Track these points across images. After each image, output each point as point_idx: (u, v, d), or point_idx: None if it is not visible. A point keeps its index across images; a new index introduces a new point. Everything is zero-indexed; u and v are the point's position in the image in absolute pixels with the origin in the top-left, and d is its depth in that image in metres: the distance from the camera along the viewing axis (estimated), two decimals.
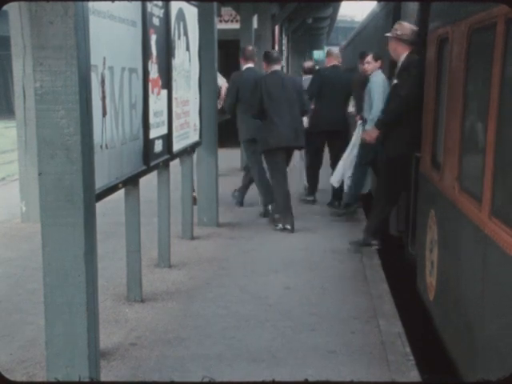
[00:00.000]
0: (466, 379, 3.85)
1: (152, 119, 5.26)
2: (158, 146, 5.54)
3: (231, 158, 12.73)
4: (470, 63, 4.21)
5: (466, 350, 4.00)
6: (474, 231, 3.75)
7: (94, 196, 3.68)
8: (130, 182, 4.83)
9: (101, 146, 4.10)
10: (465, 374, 3.99)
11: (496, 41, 3.47)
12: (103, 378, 3.95)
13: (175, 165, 6.61)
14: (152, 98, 5.25)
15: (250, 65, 8.61)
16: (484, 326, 3.62)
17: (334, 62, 9.19)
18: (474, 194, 3.84)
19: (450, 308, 4.43)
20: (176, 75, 6.13)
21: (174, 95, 6.08)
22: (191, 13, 6.76)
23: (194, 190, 7.52)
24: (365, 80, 7.89)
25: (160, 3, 5.45)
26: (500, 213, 3.37)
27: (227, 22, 15.76)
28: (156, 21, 5.34)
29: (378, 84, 7.53)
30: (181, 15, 6.29)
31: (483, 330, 3.63)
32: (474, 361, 3.81)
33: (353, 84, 8.82)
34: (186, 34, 6.54)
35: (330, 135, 8.96)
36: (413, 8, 6.55)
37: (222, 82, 9.27)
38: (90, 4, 3.73)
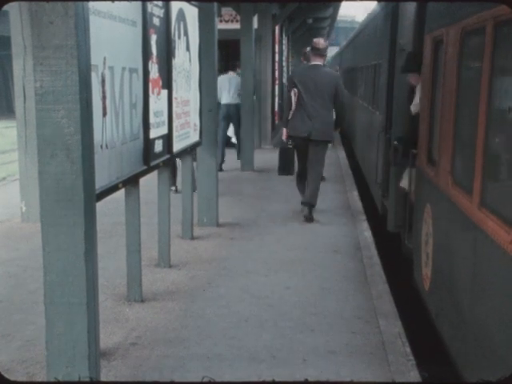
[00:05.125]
0: (466, 379, 3.90)
1: (152, 119, 5.27)
2: (158, 146, 5.55)
3: (231, 158, 12.74)
4: (462, 64, 4.37)
5: (459, 336, 4.12)
6: (466, 221, 3.93)
7: (94, 196, 3.69)
8: (131, 182, 4.83)
9: (101, 146, 4.10)
10: (459, 363, 4.09)
11: (486, 43, 3.62)
12: (103, 378, 3.96)
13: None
14: (152, 98, 5.25)
15: None
16: (474, 311, 3.75)
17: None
18: (465, 187, 4.04)
19: (444, 296, 4.57)
20: (176, 75, 6.14)
21: (175, 95, 6.08)
22: (191, 13, 6.76)
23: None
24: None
25: (160, 3, 5.45)
26: (488, 203, 3.58)
27: (227, 22, 15.75)
28: (156, 21, 5.34)
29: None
30: (181, 15, 6.29)
31: (474, 315, 3.77)
32: (466, 347, 3.92)
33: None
34: (186, 34, 6.54)
35: None
36: (410, 10, 6.65)
37: None
38: (91, 4, 3.74)
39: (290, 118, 8.31)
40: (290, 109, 8.28)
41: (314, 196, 8.34)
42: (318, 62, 8.34)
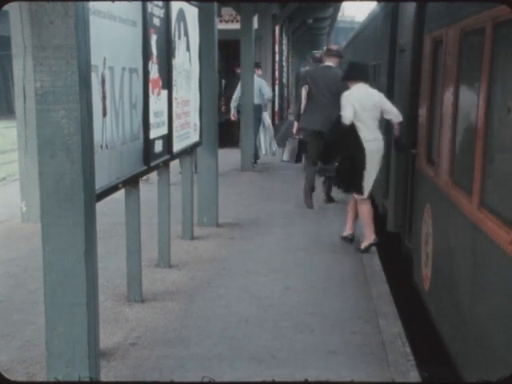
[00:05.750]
0: (466, 379, 3.90)
1: (152, 119, 5.27)
2: (159, 146, 5.55)
3: (231, 157, 12.74)
4: (462, 64, 4.39)
5: (459, 336, 4.14)
6: (465, 221, 3.95)
7: (94, 196, 3.69)
8: (131, 182, 4.84)
9: (101, 146, 4.10)
10: (459, 363, 4.11)
11: (485, 43, 3.64)
12: (103, 378, 3.96)
13: (175, 164, 6.60)
14: (152, 98, 5.25)
15: None
16: (474, 311, 3.77)
17: None
18: (465, 187, 4.07)
19: (444, 296, 4.58)
20: (176, 75, 6.14)
21: (175, 95, 6.08)
22: (192, 13, 6.76)
23: None
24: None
25: (160, 3, 5.45)
26: (488, 203, 3.61)
27: (227, 23, 15.76)
28: (156, 21, 5.34)
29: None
30: (181, 15, 6.30)
31: (474, 315, 3.79)
32: (466, 347, 3.94)
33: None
34: (186, 34, 6.54)
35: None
36: (410, 10, 6.66)
37: None
38: (91, 4, 3.74)
39: (301, 112, 9.01)
40: (300, 104, 9.00)
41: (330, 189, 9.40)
42: (329, 63, 8.94)
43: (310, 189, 9.01)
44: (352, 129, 6.57)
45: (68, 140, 3.40)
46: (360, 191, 6.75)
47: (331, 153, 6.96)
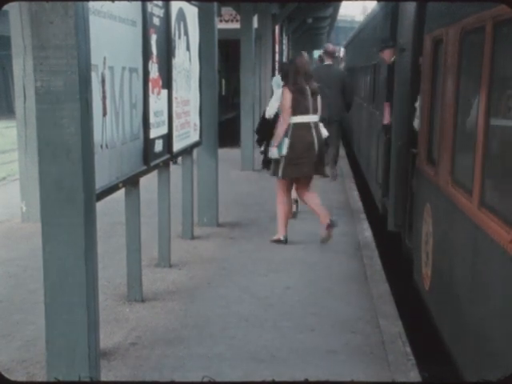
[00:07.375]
0: (466, 379, 3.90)
1: (152, 119, 5.26)
2: (159, 146, 5.54)
3: (231, 157, 12.74)
4: (462, 64, 4.39)
5: (459, 336, 4.14)
6: (466, 221, 3.96)
7: (94, 196, 3.69)
8: (130, 182, 4.84)
9: (101, 146, 4.10)
10: (459, 363, 4.11)
11: (485, 42, 3.65)
12: (103, 378, 3.96)
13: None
14: (152, 98, 5.25)
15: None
16: (474, 311, 3.78)
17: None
18: (465, 187, 4.07)
19: (444, 296, 4.58)
20: (176, 75, 6.13)
21: (175, 95, 6.08)
22: (191, 12, 6.76)
23: None
24: None
25: (160, 3, 5.45)
26: (488, 203, 3.61)
27: (227, 22, 15.75)
28: (156, 20, 5.34)
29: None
30: (181, 15, 6.29)
31: (474, 315, 3.79)
32: (466, 347, 3.94)
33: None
34: (186, 33, 6.54)
35: None
36: (410, 10, 6.67)
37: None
38: (90, 4, 3.73)
39: None
40: None
41: (334, 157, 11.16)
42: (329, 61, 11.41)
43: (334, 162, 11.14)
44: (271, 122, 7.57)
45: (68, 140, 3.40)
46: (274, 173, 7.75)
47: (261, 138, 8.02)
